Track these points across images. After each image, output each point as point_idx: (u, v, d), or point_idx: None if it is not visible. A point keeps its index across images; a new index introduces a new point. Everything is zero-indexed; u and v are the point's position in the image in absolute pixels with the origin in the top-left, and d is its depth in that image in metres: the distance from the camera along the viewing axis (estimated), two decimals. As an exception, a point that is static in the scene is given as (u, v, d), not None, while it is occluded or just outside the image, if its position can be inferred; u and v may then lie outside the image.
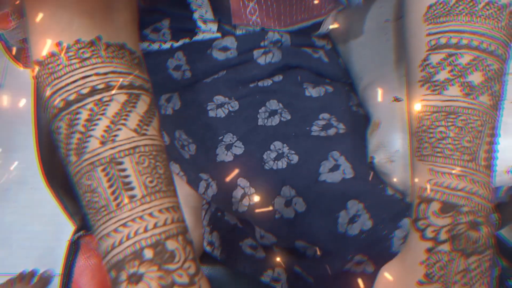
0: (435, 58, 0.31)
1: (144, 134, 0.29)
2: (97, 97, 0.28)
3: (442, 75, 0.30)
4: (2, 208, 1.08)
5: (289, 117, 0.44)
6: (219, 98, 0.45)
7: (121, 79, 0.29)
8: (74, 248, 0.52)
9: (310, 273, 0.47)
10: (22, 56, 0.42)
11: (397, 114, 0.40)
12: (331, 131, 0.43)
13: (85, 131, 0.28)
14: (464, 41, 0.30)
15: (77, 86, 0.28)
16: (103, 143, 0.27)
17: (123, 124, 0.28)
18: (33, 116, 0.46)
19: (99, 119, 0.28)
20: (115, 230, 0.27)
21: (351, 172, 0.42)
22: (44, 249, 1.05)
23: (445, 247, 0.29)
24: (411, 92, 0.32)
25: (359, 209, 0.41)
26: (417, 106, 0.31)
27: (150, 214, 0.27)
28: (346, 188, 0.41)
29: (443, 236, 0.29)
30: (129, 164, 0.28)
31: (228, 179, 0.45)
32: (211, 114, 0.46)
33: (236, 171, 0.45)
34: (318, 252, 0.45)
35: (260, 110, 0.45)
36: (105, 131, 0.28)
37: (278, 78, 0.46)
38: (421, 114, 0.31)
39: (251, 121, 0.45)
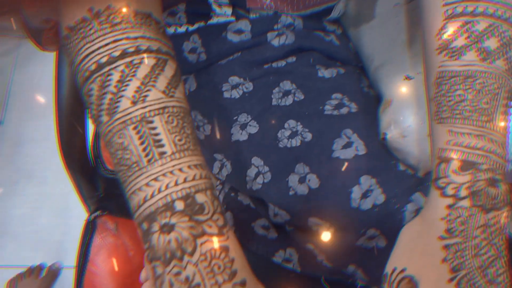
0: (452, 26, 0.32)
1: (172, 96, 0.30)
2: (128, 59, 0.29)
3: (459, 42, 0.32)
4: (10, 202, 1.09)
5: (302, 97, 0.45)
6: (234, 79, 0.47)
7: (150, 44, 0.30)
8: (90, 228, 0.53)
9: (322, 250, 0.48)
10: (44, 37, 0.43)
11: (408, 92, 0.41)
12: (344, 110, 0.45)
13: (116, 91, 0.29)
14: (480, 9, 0.31)
15: (109, 49, 0.29)
16: (134, 103, 0.29)
17: (153, 86, 0.29)
18: (54, 97, 0.47)
19: (130, 80, 0.29)
20: (147, 184, 0.28)
21: (364, 149, 0.43)
22: (52, 242, 1.06)
23: (465, 203, 0.31)
24: (429, 61, 0.34)
25: (371, 184, 0.42)
26: (435, 73, 0.32)
27: (180, 170, 0.28)
28: (359, 164, 0.43)
29: (463, 192, 0.31)
30: (159, 123, 0.29)
31: (242, 157, 0.47)
32: (226, 95, 0.47)
33: (250, 150, 0.46)
34: (331, 229, 0.47)
35: (274, 91, 0.46)
36: (135, 91, 0.29)
37: (292, 59, 0.47)
38: (439, 80, 0.32)
39: (265, 101, 0.46)
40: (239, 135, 0.46)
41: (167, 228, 0.27)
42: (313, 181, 0.44)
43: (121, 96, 0.29)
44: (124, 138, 0.29)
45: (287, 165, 0.45)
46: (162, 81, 0.30)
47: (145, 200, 0.28)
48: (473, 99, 0.31)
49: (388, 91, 0.43)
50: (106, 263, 0.52)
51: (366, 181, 0.42)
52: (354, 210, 0.43)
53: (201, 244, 0.27)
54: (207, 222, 0.28)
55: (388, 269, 0.33)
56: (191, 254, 0.27)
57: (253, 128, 0.46)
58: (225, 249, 0.28)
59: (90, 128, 0.56)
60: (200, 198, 0.29)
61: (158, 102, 0.29)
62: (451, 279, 0.31)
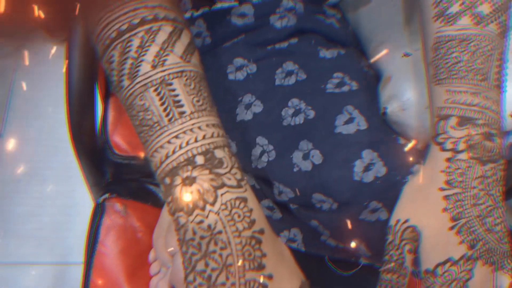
0: None
1: (189, 62, 0.32)
2: (147, 26, 0.31)
3: (454, 8, 0.34)
4: (13, 199, 1.10)
5: (304, 77, 0.47)
6: (238, 60, 0.48)
7: (167, 13, 0.32)
8: (99, 210, 0.54)
9: (326, 226, 0.50)
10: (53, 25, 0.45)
11: (407, 68, 0.43)
12: (345, 88, 0.46)
13: (137, 56, 0.31)
14: None
15: (129, 17, 0.31)
16: (154, 66, 0.31)
17: (171, 51, 0.31)
18: (64, 80, 0.49)
19: (149, 45, 0.31)
20: (169, 142, 0.30)
21: (365, 124, 0.44)
22: (55, 239, 1.07)
23: (463, 155, 0.33)
24: (426, 29, 0.36)
25: (373, 157, 0.44)
26: (433, 39, 0.35)
27: (199, 128, 0.30)
28: (361, 139, 0.44)
29: (461, 146, 0.33)
30: (178, 85, 0.31)
31: (247, 137, 0.48)
32: (231, 77, 0.49)
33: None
34: (335, 205, 0.48)
35: (277, 71, 0.48)
36: (155, 56, 0.31)
37: (294, 41, 0.49)
38: (437, 45, 0.35)
39: (269, 82, 0.48)
40: (244, 115, 0.48)
41: (189, 181, 0.29)
42: (317, 156, 0.46)
43: (142, 61, 0.31)
44: (145, 100, 0.30)
45: (291, 142, 0.47)
46: (179, 47, 0.32)
47: (167, 157, 0.30)
48: (468, 60, 0.33)
49: (387, 68, 0.45)
50: (115, 244, 0.53)
51: (368, 154, 0.44)
52: (357, 183, 0.44)
53: (222, 194, 0.29)
54: (226, 175, 0.30)
55: (392, 221, 0.35)
56: (213, 204, 0.29)
57: (258, 107, 0.48)
58: (244, 199, 0.30)
59: (99, 113, 0.58)
60: (219, 153, 0.30)
61: (176, 66, 0.31)
62: (452, 227, 0.33)
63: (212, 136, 0.31)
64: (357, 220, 0.47)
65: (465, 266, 0.33)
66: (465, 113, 0.33)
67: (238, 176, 0.31)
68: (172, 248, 0.49)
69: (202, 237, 0.29)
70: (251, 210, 0.30)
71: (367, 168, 0.44)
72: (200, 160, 0.30)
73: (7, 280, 1.01)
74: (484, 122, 0.33)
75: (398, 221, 0.35)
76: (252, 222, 0.30)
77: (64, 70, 0.48)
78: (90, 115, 0.52)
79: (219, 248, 0.29)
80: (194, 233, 0.29)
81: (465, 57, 0.33)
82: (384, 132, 0.45)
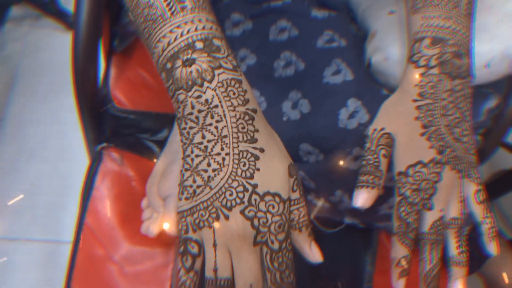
0: None
1: None
2: None
3: None
4: (12, 178, 1.12)
5: (296, 33, 0.51)
6: (235, 16, 0.52)
7: None
8: (97, 158, 0.56)
9: (312, 177, 0.52)
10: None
11: (392, 24, 0.47)
12: (334, 45, 0.50)
13: None
14: None
15: None
16: None
17: None
18: (71, 42, 0.51)
19: None
20: (171, 31, 0.33)
21: (351, 76, 0.48)
22: (51, 218, 1.09)
23: (435, 70, 0.36)
24: None
25: (357, 106, 0.47)
26: None
27: (199, 20, 0.33)
28: (347, 88, 0.47)
29: (433, 62, 0.36)
30: None
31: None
32: (228, 33, 0.52)
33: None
34: (321, 156, 0.51)
35: (271, 28, 0.51)
36: None
37: (287, 0, 0.52)
38: None
39: (263, 37, 0.51)
40: None
41: (189, 62, 0.32)
42: (305, 105, 0.49)
43: None
44: None
45: (281, 93, 0.50)
46: None
47: (169, 44, 0.33)
48: None
49: (373, 25, 0.49)
50: (110, 190, 0.56)
51: (353, 103, 0.47)
52: (341, 129, 0.47)
53: (218, 74, 0.32)
54: (223, 59, 0.33)
55: (370, 131, 0.38)
56: (210, 81, 0.32)
57: (251, 60, 0.51)
58: (238, 81, 0.33)
59: (102, 67, 0.61)
60: (217, 42, 0.33)
61: None
62: (423, 134, 0.36)
63: (211, 29, 0.34)
64: (341, 169, 0.50)
65: (434, 168, 0.35)
66: (438, 34, 0.37)
67: (234, 62, 0.33)
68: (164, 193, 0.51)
69: (199, 111, 0.32)
70: (245, 91, 0.33)
71: (351, 116, 0.47)
72: (199, 45, 0.32)
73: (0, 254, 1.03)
74: (454, 42, 0.37)
75: (375, 130, 0.38)
76: (246, 101, 0.32)
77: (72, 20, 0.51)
78: (93, 68, 0.55)
79: (215, 120, 0.31)
80: (193, 107, 0.32)
81: None
82: (369, 83, 0.48)
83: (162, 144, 0.61)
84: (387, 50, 0.46)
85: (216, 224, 0.31)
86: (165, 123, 0.61)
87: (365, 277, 0.58)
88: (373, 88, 0.48)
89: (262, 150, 0.32)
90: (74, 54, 0.53)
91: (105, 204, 0.55)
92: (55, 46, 1.31)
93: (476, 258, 0.68)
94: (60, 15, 1.27)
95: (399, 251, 0.37)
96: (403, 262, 0.37)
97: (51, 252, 1.05)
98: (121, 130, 0.60)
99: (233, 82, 0.32)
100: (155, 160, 0.59)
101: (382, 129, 0.38)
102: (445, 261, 0.39)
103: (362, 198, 0.37)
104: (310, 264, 0.34)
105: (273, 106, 0.50)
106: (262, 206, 0.31)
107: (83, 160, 0.61)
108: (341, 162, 0.49)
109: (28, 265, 1.03)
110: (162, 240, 0.54)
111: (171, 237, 0.53)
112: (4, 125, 1.18)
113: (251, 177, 0.31)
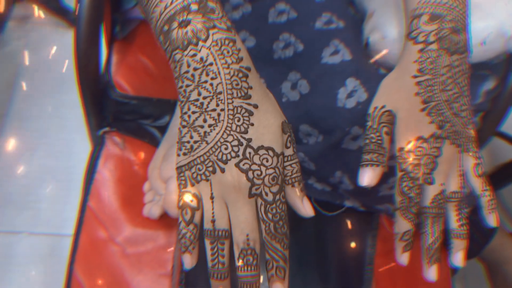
0: None
1: None
2: None
3: None
4: (14, 172, 1.13)
5: (295, 15, 0.51)
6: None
7: None
8: (99, 142, 0.57)
9: (312, 158, 0.53)
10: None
11: (389, 4, 0.47)
12: (332, 26, 0.50)
13: None
14: None
15: None
16: None
17: None
18: (74, 34, 0.52)
19: None
20: None
21: (349, 55, 0.48)
22: (53, 211, 1.09)
23: (433, 46, 0.37)
24: None
25: (356, 85, 0.47)
26: None
27: None
28: (345, 68, 0.48)
29: (431, 38, 0.37)
30: None
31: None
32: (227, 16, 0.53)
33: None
34: (320, 137, 0.51)
35: (270, 11, 0.52)
36: None
37: (286, -16, 0.53)
38: None
39: (262, 20, 0.52)
40: None
41: (184, 23, 0.33)
42: (304, 86, 0.50)
43: None
44: None
45: (280, 74, 0.51)
46: None
47: (165, 8, 0.33)
48: None
49: (371, 5, 0.49)
50: (112, 173, 0.56)
51: (351, 82, 0.48)
52: (340, 109, 0.48)
53: (213, 34, 0.33)
54: (218, 20, 0.33)
55: (371, 109, 0.39)
56: (205, 40, 0.32)
57: (250, 42, 0.51)
58: (232, 40, 0.33)
59: (104, 56, 0.62)
60: (211, 3, 0.34)
61: None
62: (423, 109, 0.36)
63: None
64: (340, 149, 0.50)
65: (435, 143, 0.36)
66: (435, 10, 0.37)
67: (228, 23, 0.34)
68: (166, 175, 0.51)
69: (195, 69, 0.33)
70: (239, 50, 0.34)
71: (349, 95, 0.48)
72: (194, 7, 0.33)
73: (3, 247, 1.03)
74: (452, 18, 0.37)
75: (376, 108, 0.38)
76: (240, 59, 0.33)
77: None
78: (95, 53, 0.56)
79: (210, 78, 0.32)
80: (188, 65, 0.33)
81: None
82: (367, 63, 0.48)
83: (163, 130, 0.62)
84: (384, 29, 0.46)
85: (213, 177, 0.32)
86: (167, 109, 0.62)
87: (366, 259, 0.58)
88: (371, 68, 0.48)
89: (256, 106, 0.33)
90: (76, 38, 0.53)
91: (108, 187, 0.55)
92: (58, 43, 1.32)
93: (476, 242, 0.68)
94: (62, 12, 1.28)
95: (402, 225, 0.37)
96: (406, 237, 0.37)
97: (53, 245, 1.06)
98: (123, 116, 0.61)
99: (227, 41, 0.33)
100: (156, 146, 0.59)
101: (383, 106, 0.38)
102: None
103: (368, 177, 0.38)
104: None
105: (273, 88, 0.50)
106: (256, 159, 0.32)
107: (85, 155, 0.62)
108: (340, 142, 0.49)
109: (31, 258, 1.03)
110: (164, 222, 0.54)
111: (173, 219, 0.54)
112: (8, 120, 1.19)
113: (245, 132, 0.32)
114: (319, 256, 0.59)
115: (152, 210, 0.54)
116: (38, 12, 1.33)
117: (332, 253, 0.58)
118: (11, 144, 1.16)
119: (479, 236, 0.68)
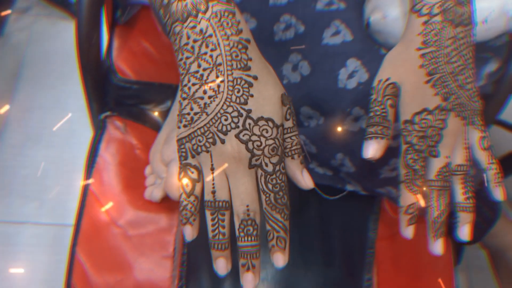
0: None
1: None
2: None
3: None
4: (17, 162, 1.13)
5: (296, -3, 0.51)
6: (236, -18, 0.52)
7: None
8: (101, 126, 0.57)
9: (313, 141, 0.53)
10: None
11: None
12: (333, 7, 0.50)
13: None
14: None
15: None
16: None
17: None
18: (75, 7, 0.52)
19: None
20: None
21: (350, 36, 0.48)
22: (56, 201, 1.10)
23: (438, 18, 0.36)
24: None
25: (356, 65, 0.47)
26: None
27: None
28: (346, 49, 0.48)
29: (435, 10, 0.36)
30: None
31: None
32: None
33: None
34: (321, 119, 0.51)
35: (271, -6, 0.52)
36: None
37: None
38: None
39: (263, 2, 0.52)
40: None
41: None
42: (305, 67, 0.49)
43: None
44: None
45: (281, 56, 0.51)
46: None
47: None
48: None
49: (372, -14, 0.49)
50: (114, 157, 0.56)
51: (352, 63, 0.47)
52: (341, 89, 0.48)
53: (212, 6, 0.33)
54: None
55: (375, 82, 0.38)
56: (204, 12, 0.32)
57: (251, 24, 0.51)
58: (232, 12, 0.33)
59: (105, 41, 0.62)
60: None
61: None
62: (428, 81, 0.36)
63: None
64: (341, 130, 0.50)
65: (440, 115, 0.36)
66: None
67: None
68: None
69: (195, 41, 0.33)
70: (238, 22, 0.34)
71: (350, 76, 0.47)
72: None
73: (7, 237, 1.04)
74: None
75: (380, 81, 0.38)
76: (239, 31, 0.33)
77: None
78: (96, 37, 0.56)
79: (209, 49, 0.32)
80: (188, 37, 0.33)
81: None
82: (368, 43, 0.48)
83: (165, 115, 0.62)
84: (385, 8, 0.46)
85: (213, 148, 0.32)
86: (168, 95, 0.62)
87: (367, 243, 0.58)
88: (372, 48, 0.48)
89: (255, 78, 0.33)
90: (77, 22, 0.54)
91: (109, 170, 0.56)
92: (60, 35, 1.32)
93: (479, 227, 0.68)
94: (65, 4, 1.28)
95: (407, 198, 0.37)
96: (411, 210, 0.37)
97: (57, 235, 1.07)
98: (125, 100, 0.61)
99: (226, 13, 0.33)
100: (157, 130, 0.59)
101: (388, 79, 0.38)
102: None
103: (372, 149, 0.37)
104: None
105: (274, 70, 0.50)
106: (256, 130, 0.32)
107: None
108: (341, 124, 0.49)
109: (35, 247, 1.04)
110: (165, 205, 0.55)
111: (174, 202, 0.54)
112: (11, 112, 1.20)
113: (245, 103, 0.32)
114: (320, 240, 0.59)
115: (153, 193, 0.54)
116: (40, 4, 1.34)
117: (334, 237, 0.58)
118: (14, 134, 1.16)
119: (481, 221, 0.67)
